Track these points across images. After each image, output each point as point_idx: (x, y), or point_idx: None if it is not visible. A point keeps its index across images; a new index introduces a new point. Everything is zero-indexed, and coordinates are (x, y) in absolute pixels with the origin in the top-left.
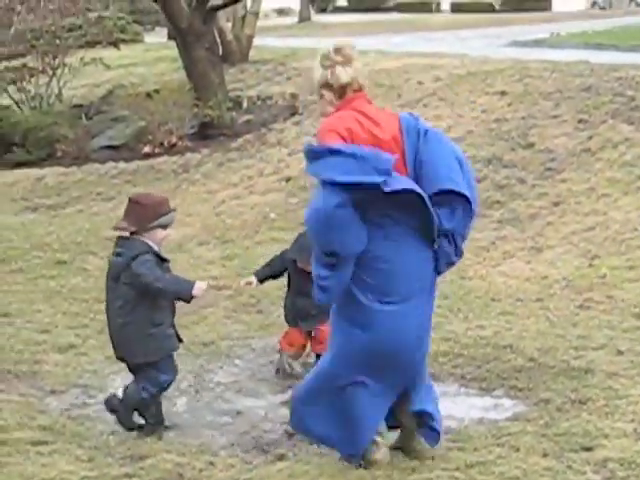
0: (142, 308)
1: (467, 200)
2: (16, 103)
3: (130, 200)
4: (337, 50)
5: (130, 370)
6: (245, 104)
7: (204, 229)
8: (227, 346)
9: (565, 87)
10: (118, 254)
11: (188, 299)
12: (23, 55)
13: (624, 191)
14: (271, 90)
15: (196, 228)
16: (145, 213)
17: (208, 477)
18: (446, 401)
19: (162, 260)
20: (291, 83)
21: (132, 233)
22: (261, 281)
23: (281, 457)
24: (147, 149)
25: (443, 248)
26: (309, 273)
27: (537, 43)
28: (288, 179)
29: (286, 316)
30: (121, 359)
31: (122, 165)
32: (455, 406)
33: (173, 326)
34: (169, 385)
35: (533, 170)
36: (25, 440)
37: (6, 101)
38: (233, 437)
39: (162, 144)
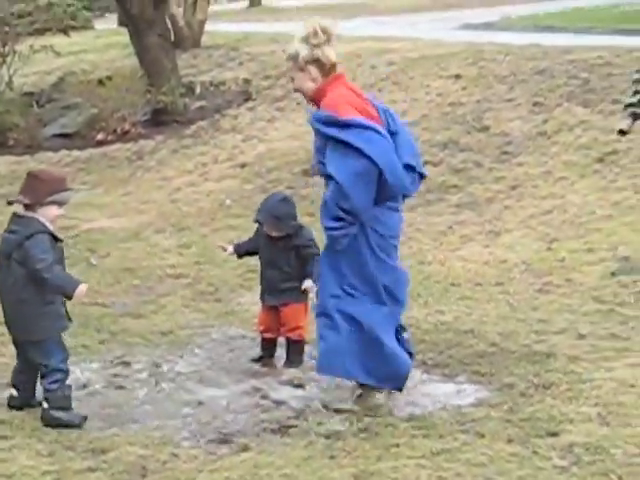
0: (34, 286)
1: (421, 176)
2: None
3: (28, 174)
4: (324, 29)
5: (18, 350)
6: (198, 90)
7: (160, 217)
8: (186, 335)
9: (519, 70)
10: (12, 231)
11: (70, 297)
12: None
13: (581, 174)
14: (224, 76)
15: (152, 216)
16: (42, 187)
17: (172, 469)
18: (409, 388)
19: (56, 240)
20: (244, 68)
21: (26, 207)
22: (240, 256)
23: (245, 448)
24: (100, 137)
25: None
26: (278, 240)
27: (488, 26)
28: (243, 165)
29: (261, 294)
30: (14, 341)
31: (75, 153)
32: (418, 393)
33: (64, 305)
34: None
35: (489, 154)
36: None
37: None
38: (195, 428)
39: (115, 131)
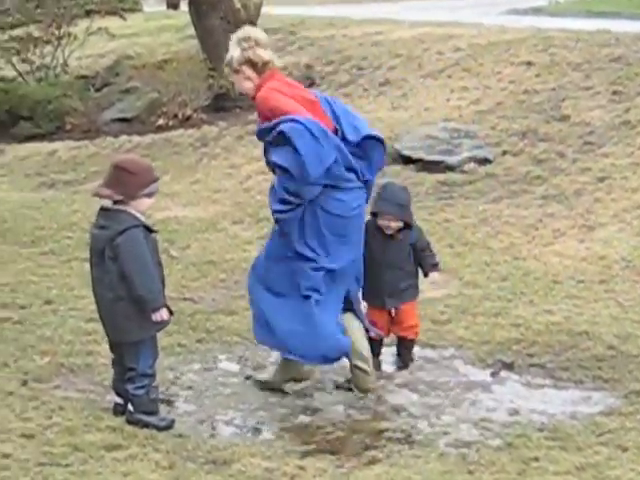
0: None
1: (383, 145)
2: (20, 75)
3: (115, 166)
4: (253, 33)
5: (114, 355)
6: None
7: (235, 206)
8: None
9: (593, 58)
10: (102, 227)
11: (147, 312)
12: (25, 24)
13: None
14: (284, 60)
15: (226, 205)
16: (133, 181)
17: None
18: (534, 393)
19: (150, 231)
20: (304, 53)
21: (115, 202)
22: None
23: (373, 460)
24: (161, 122)
25: None
26: (394, 237)
27: (536, 11)
28: None
29: (365, 294)
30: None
31: (136, 138)
32: (544, 399)
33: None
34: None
35: (572, 144)
36: (97, 444)
37: (10, 73)
38: (316, 437)
39: (176, 117)
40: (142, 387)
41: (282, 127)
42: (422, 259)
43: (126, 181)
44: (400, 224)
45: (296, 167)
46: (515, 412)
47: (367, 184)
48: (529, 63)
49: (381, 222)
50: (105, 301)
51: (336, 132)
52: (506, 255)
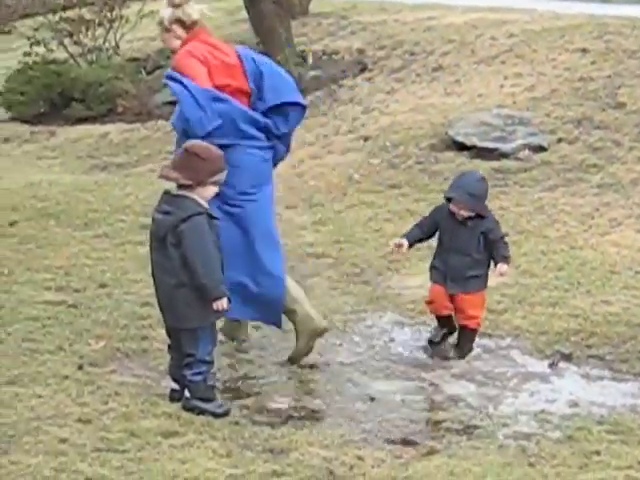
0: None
1: (303, 107)
2: (72, 57)
3: (187, 151)
4: None
5: (171, 340)
6: (310, 59)
7: (289, 191)
8: (341, 321)
9: None
10: (166, 212)
11: (208, 299)
12: (77, 6)
13: None
14: (336, 45)
15: (280, 190)
16: (204, 167)
17: (361, 474)
18: (592, 385)
19: (212, 218)
20: (356, 38)
21: (180, 187)
22: (410, 245)
23: (432, 451)
24: None
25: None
26: (466, 223)
27: None
28: (366, 138)
29: (432, 275)
30: (169, 328)
31: None
32: (603, 391)
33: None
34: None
35: (628, 132)
36: (154, 430)
37: (62, 55)
38: (373, 426)
39: None
40: (200, 373)
41: (174, 88)
42: (494, 250)
43: (196, 166)
44: (470, 213)
45: (186, 125)
46: (574, 404)
47: (283, 137)
48: (584, 50)
49: (451, 208)
50: (165, 287)
51: (249, 94)
52: (562, 244)
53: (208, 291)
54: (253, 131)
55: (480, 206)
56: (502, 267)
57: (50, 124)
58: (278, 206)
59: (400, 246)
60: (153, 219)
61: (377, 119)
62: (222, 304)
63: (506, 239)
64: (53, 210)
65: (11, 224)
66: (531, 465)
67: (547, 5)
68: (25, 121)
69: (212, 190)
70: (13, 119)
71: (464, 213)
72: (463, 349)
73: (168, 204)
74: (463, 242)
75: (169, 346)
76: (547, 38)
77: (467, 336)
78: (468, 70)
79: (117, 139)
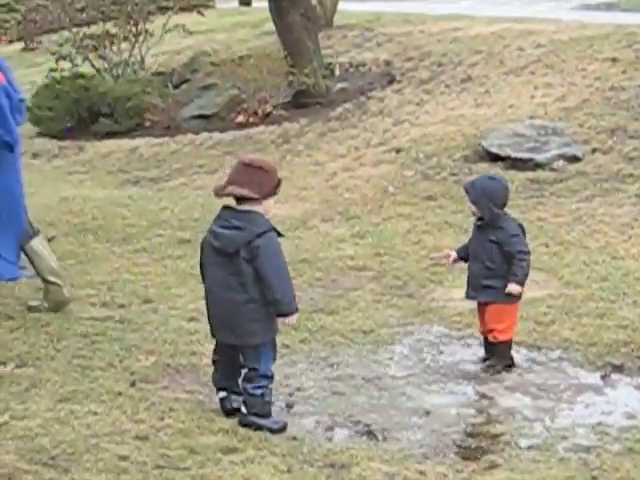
0: (260, 286)
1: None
2: (98, 71)
3: (248, 164)
4: None
5: (222, 354)
6: (337, 71)
7: (324, 204)
8: (389, 334)
9: None
10: (236, 227)
11: (279, 314)
12: (101, 21)
13: None
14: (363, 57)
15: (315, 203)
16: (268, 180)
17: None
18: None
19: (278, 235)
20: (382, 49)
21: (242, 200)
22: (463, 259)
23: (493, 464)
24: (240, 118)
25: None
26: (481, 230)
27: (609, 7)
28: (398, 150)
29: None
30: (223, 345)
31: (217, 135)
32: None
33: None
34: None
35: None
36: (213, 447)
37: (88, 70)
38: (431, 441)
39: (256, 113)
40: (260, 387)
41: None
42: (511, 265)
43: (260, 180)
44: (475, 209)
45: None
46: (631, 416)
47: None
48: (614, 59)
49: (474, 209)
50: (229, 303)
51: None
52: (604, 254)
53: (281, 306)
54: None
55: (481, 204)
56: (509, 286)
57: (78, 139)
58: (314, 219)
59: (447, 256)
60: (215, 235)
61: (408, 131)
62: (293, 319)
63: (525, 256)
64: (90, 225)
65: (49, 240)
66: (594, 478)
67: (567, 14)
68: (53, 136)
69: (271, 204)
70: (40, 134)
71: (473, 210)
72: (490, 365)
73: (236, 219)
74: (477, 248)
75: (214, 361)
76: (575, 48)
77: (492, 350)
78: (497, 81)
79: (147, 153)
